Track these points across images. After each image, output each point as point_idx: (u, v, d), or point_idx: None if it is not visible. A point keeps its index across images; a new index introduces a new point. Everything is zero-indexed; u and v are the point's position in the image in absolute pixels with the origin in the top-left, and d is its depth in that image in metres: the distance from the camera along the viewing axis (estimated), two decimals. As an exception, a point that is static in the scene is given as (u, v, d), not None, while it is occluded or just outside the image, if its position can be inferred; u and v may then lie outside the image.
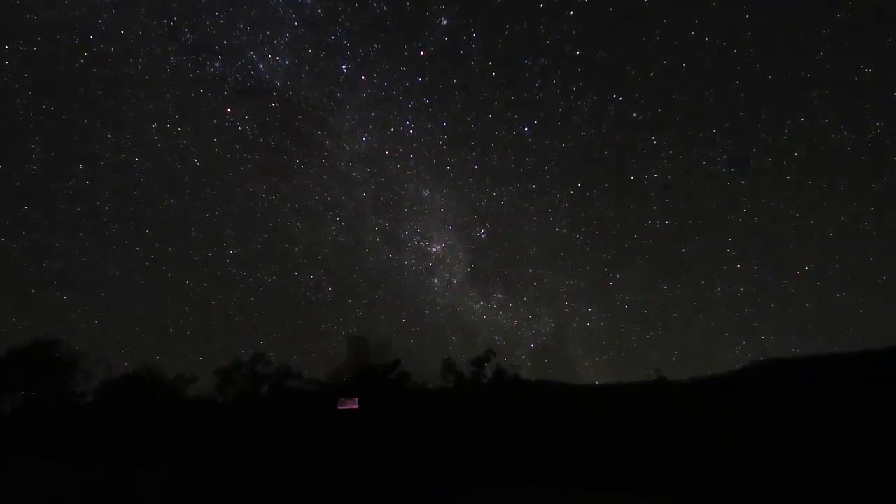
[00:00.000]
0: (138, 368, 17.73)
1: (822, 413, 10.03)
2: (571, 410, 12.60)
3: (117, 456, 13.46)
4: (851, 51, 27.61)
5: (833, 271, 31.09)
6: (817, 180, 30.62)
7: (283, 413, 13.09)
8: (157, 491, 9.56)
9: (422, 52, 31.10)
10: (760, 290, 32.55)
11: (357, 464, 10.51)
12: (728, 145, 31.55)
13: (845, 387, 10.99)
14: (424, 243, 35.79)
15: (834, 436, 9.47)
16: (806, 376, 12.78)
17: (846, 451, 9.10)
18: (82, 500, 8.76)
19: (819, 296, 30.77)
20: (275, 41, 31.27)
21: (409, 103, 33.52)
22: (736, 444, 10.02)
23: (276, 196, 34.94)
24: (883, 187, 28.58)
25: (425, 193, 35.49)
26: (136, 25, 29.49)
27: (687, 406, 11.75)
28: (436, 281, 35.79)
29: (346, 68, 32.03)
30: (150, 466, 12.37)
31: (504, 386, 13.60)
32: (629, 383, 15.57)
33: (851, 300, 30.18)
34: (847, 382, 11.32)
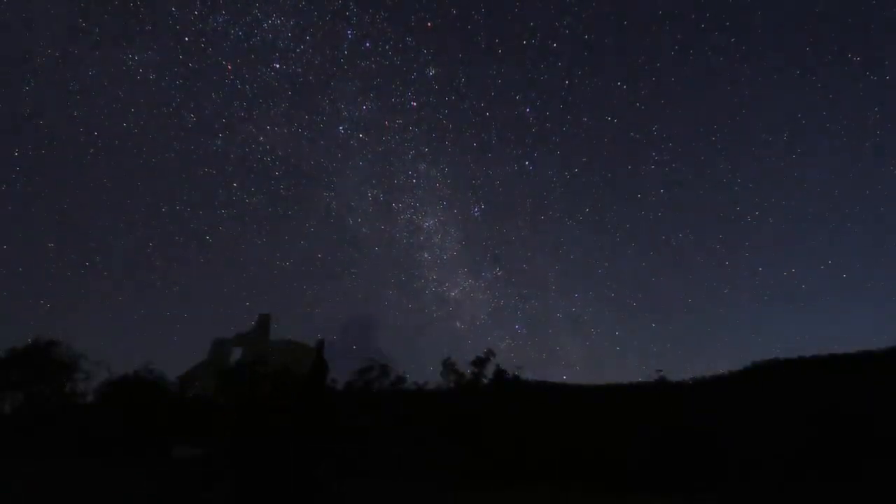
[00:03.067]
0: (139, 368, 17.73)
1: (824, 414, 9.98)
2: (571, 410, 12.57)
3: (116, 456, 13.46)
4: (858, 56, 27.56)
5: (822, 273, 31.20)
6: (814, 182, 30.64)
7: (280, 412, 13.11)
8: (157, 491, 9.54)
9: (429, 24, 30.05)
10: (748, 288, 32.55)
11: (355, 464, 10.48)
12: (728, 141, 31.49)
13: (847, 387, 10.93)
14: (417, 217, 34.96)
15: (837, 437, 9.43)
16: (807, 377, 12.72)
17: (849, 452, 9.06)
18: (82, 500, 8.75)
19: (806, 297, 30.91)
20: (280, 0, 30.22)
21: (412, 75, 32.41)
22: (738, 445, 9.98)
23: (270, 158, 33.85)
24: (879, 193, 28.61)
25: (422, 167, 34.55)
26: (138, -26, 28.60)
27: (688, 406, 11.71)
28: (426, 256, 35.03)
29: (351, 34, 30.83)
30: (149, 466, 12.37)
31: (503, 386, 13.56)
32: (629, 383, 15.52)
33: (838, 303, 30.28)
34: (848, 383, 11.26)
